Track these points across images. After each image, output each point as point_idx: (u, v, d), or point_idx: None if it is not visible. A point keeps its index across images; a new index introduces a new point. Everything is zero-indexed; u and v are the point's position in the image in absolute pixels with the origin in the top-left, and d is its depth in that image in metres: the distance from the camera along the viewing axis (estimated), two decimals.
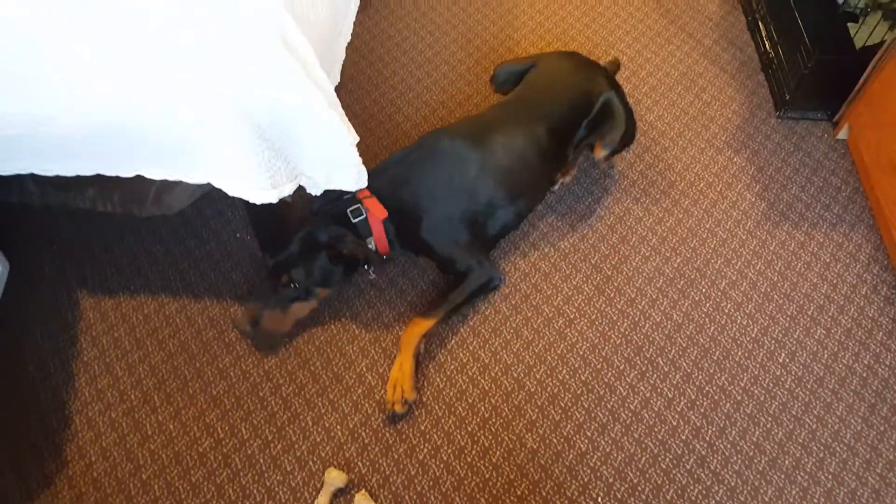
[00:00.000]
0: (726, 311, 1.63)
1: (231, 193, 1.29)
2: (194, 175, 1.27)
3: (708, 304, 1.64)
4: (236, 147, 1.22)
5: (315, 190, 1.46)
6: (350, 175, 1.40)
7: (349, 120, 1.32)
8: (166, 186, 1.34)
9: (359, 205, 1.53)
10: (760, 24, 2.14)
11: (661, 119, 1.97)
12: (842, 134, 1.93)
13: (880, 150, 1.75)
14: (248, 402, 1.51)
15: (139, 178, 1.30)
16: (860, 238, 1.75)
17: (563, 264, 1.70)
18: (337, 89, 1.36)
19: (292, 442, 1.47)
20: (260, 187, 1.27)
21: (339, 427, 1.49)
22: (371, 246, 1.54)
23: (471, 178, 1.56)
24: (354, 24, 1.64)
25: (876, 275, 1.69)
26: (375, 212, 1.52)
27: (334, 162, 1.35)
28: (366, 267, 1.58)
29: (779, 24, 2.06)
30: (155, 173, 1.28)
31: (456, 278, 1.60)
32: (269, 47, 1.12)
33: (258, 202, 1.28)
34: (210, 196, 1.64)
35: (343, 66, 1.57)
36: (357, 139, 1.36)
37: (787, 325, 1.61)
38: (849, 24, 2.05)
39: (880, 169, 1.74)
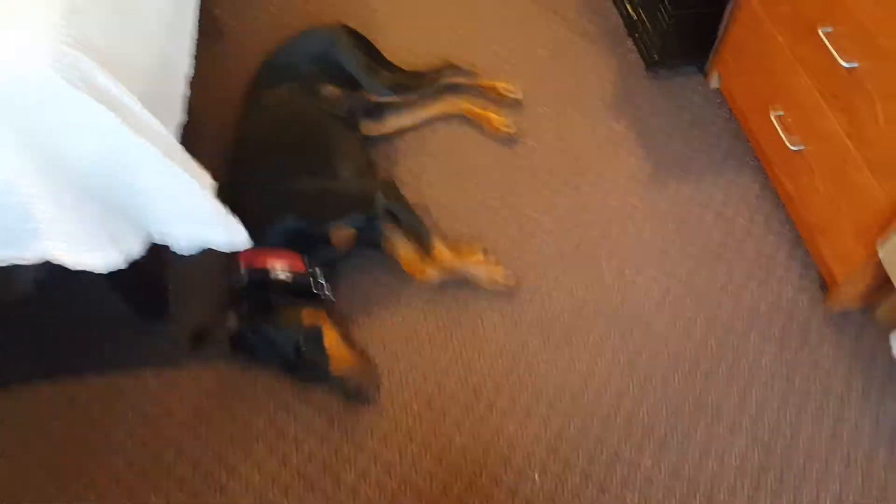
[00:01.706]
0: (627, 276, 1.63)
1: (71, 267, 1.20)
2: (26, 253, 1.18)
3: (610, 275, 1.63)
4: (64, 214, 1.13)
5: (181, 249, 1.37)
6: (215, 232, 1.32)
7: (209, 152, 1.24)
8: (6, 270, 1.25)
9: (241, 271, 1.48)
10: None
11: (538, 100, 1.96)
12: (714, 83, 1.95)
13: (751, 91, 1.78)
14: (152, 472, 1.43)
15: None
16: (747, 181, 1.77)
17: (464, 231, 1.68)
18: (193, 123, 1.30)
19: (207, 503, 1.40)
20: (102, 255, 1.19)
21: (255, 474, 1.42)
22: (285, 275, 1.49)
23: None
24: (208, 54, 1.59)
25: (767, 213, 1.71)
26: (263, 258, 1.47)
27: (191, 217, 1.28)
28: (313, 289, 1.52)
29: None
30: None
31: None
32: (58, 90, 1.03)
33: (102, 271, 1.20)
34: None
35: (201, 99, 1.51)
36: (212, 187, 1.30)
37: (688, 279, 1.62)
38: None
39: (754, 110, 1.77)
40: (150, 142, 1.12)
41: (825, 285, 1.58)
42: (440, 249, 1.58)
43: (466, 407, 1.48)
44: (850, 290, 1.50)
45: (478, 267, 1.60)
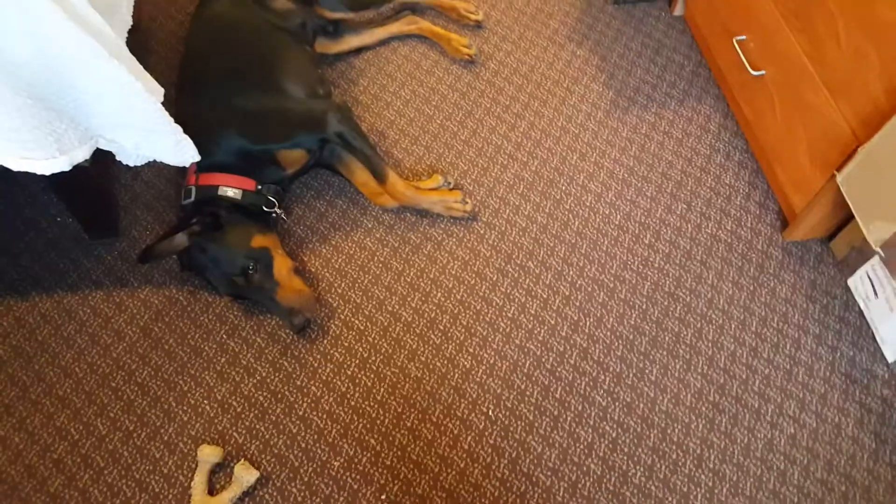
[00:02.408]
0: (588, 203, 1.61)
1: (14, 168, 1.13)
2: None
3: (570, 201, 1.61)
4: (4, 110, 1.06)
5: (128, 159, 1.31)
6: (163, 144, 1.25)
7: (164, 63, 1.16)
8: None
9: (190, 188, 1.41)
10: None
11: (501, 24, 1.90)
12: (678, 10, 1.92)
13: (714, 18, 1.75)
14: (100, 395, 1.38)
15: None
16: (708, 109, 1.75)
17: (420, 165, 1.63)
18: (142, 35, 1.21)
19: (157, 427, 1.35)
20: (44, 155, 1.12)
21: (205, 402, 1.38)
22: (233, 192, 1.42)
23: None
24: None
25: (727, 142, 1.70)
26: (213, 180, 1.40)
27: (139, 126, 1.21)
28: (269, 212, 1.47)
29: None
30: None
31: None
32: None
33: (45, 172, 1.12)
34: (17, 179, 1.48)
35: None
36: (161, 94, 1.22)
37: (648, 206, 1.60)
38: None
39: (716, 36, 1.74)
40: (94, 39, 1.04)
41: (784, 215, 1.59)
42: (394, 181, 1.53)
43: (421, 337, 1.45)
44: (809, 219, 1.50)
45: (432, 197, 1.56)
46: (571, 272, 1.52)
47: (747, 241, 1.57)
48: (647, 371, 1.41)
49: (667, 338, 1.45)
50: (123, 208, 1.57)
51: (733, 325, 1.46)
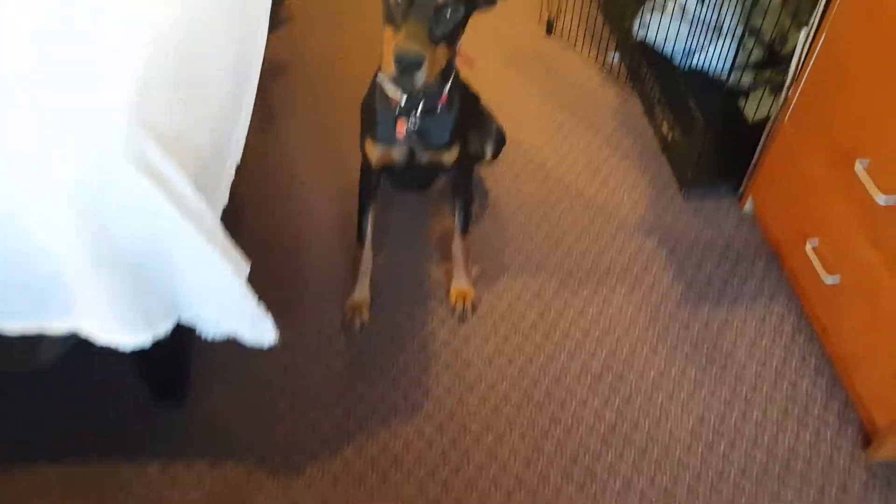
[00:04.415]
0: (659, 403, 1.56)
1: (99, 343, 1.16)
2: (55, 324, 1.14)
3: (640, 399, 1.56)
4: (99, 288, 1.10)
5: (207, 332, 1.33)
6: (242, 324, 1.27)
7: (249, 238, 1.21)
8: (30, 340, 1.20)
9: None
10: (657, 107, 2.19)
11: (571, 209, 1.95)
12: (747, 207, 1.94)
13: (785, 220, 1.76)
14: None
15: None
16: (782, 309, 1.73)
17: (487, 370, 1.61)
18: (233, 207, 1.27)
19: None
20: (132, 332, 1.15)
21: None
22: None
23: None
24: (257, 138, 1.57)
25: (802, 346, 1.66)
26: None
27: (221, 302, 1.24)
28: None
29: (673, 107, 2.12)
30: (8, 327, 1.14)
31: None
32: (125, 175, 1.02)
33: (128, 348, 1.15)
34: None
35: (244, 184, 1.49)
36: (246, 271, 1.26)
37: (722, 410, 1.54)
38: (740, 101, 2.12)
39: (788, 240, 1.75)
40: (196, 226, 1.10)
41: (866, 429, 1.51)
42: (461, 238, 1.67)
43: None
44: (894, 439, 1.42)
45: (468, 276, 1.71)
46: (642, 482, 1.44)
47: (827, 457, 1.48)
48: None
49: None
50: (196, 375, 1.58)
51: None
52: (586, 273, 1.80)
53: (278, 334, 1.29)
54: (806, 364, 1.62)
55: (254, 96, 1.53)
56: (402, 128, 1.41)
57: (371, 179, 1.61)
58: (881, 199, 1.35)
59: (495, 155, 1.89)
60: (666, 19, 2.23)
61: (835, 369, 1.60)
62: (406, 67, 1.17)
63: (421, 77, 1.19)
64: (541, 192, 1.99)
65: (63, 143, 1.01)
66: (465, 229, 1.67)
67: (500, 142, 1.88)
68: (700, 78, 2.21)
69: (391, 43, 1.20)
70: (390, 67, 1.19)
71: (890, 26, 1.36)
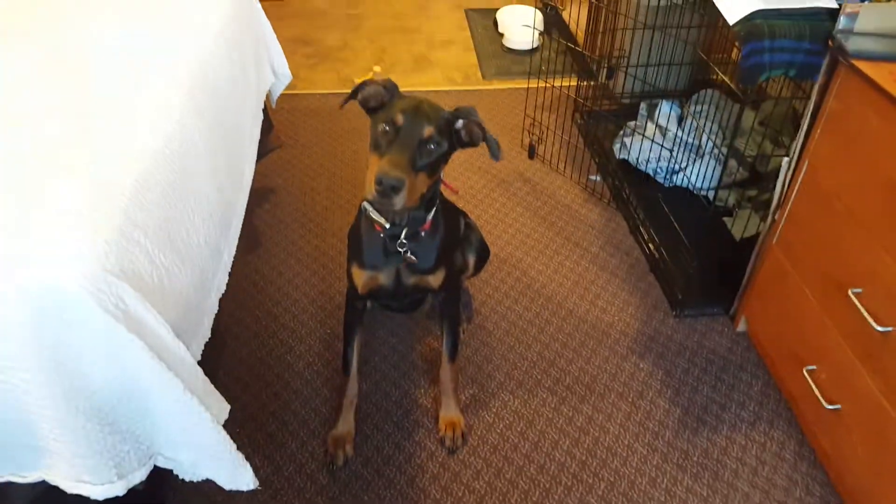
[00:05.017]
0: None
1: (69, 491, 1.09)
2: (23, 472, 1.08)
3: None
4: (71, 436, 1.04)
5: (184, 474, 1.26)
6: (220, 470, 1.21)
7: (231, 364, 1.16)
8: None
9: None
10: (641, 227, 2.21)
11: (561, 330, 1.92)
12: (741, 327, 1.92)
13: (780, 341, 1.74)
14: None
15: None
16: (782, 435, 1.67)
17: None
18: (216, 333, 1.23)
19: None
20: (102, 479, 1.08)
21: None
22: None
23: None
24: (243, 259, 1.56)
25: (805, 473, 1.59)
26: None
27: (199, 449, 1.18)
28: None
29: (658, 226, 2.14)
30: None
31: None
32: (100, 325, 0.99)
33: (100, 498, 1.08)
34: None
35: (228, 310, 1.46)
36: (226, 415, 1.22)
37: None
38: (724, 219, 2.15)
39: (783, 360, 1.72)
40: (174, 372, 1.06)
41: None
42: (449, 365, 1.64)
43: None
44: None
45: (450, 405, 1.66)
46: None
47: None
48: None
49: None
50: None
51: None
52: (580, 398, 1.75)
53: (257, 481, 1.23)
54: (811, 494, 1.55)
55: (238, 232, 1.54)
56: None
57: (357, 307, 1.59)
58: (878, 328, 1.33)
59: (478, 269, 1.88)
60: (647, 142, 2.30)
61: (843, 500, 1.53)
62: (385, 190, 1.19)
63: (400, 200, 1.21)
64: (530, 312, 1.97)
65: (23, 284, 0.96)
66: (452, 357, 1.63)
67: (484, 255, 1.87)
68: (683, 195, 2.26)
69: (374, 167, 1.22)
70: (371, 189, 1.21)
71: (869, 158, 1.38)
